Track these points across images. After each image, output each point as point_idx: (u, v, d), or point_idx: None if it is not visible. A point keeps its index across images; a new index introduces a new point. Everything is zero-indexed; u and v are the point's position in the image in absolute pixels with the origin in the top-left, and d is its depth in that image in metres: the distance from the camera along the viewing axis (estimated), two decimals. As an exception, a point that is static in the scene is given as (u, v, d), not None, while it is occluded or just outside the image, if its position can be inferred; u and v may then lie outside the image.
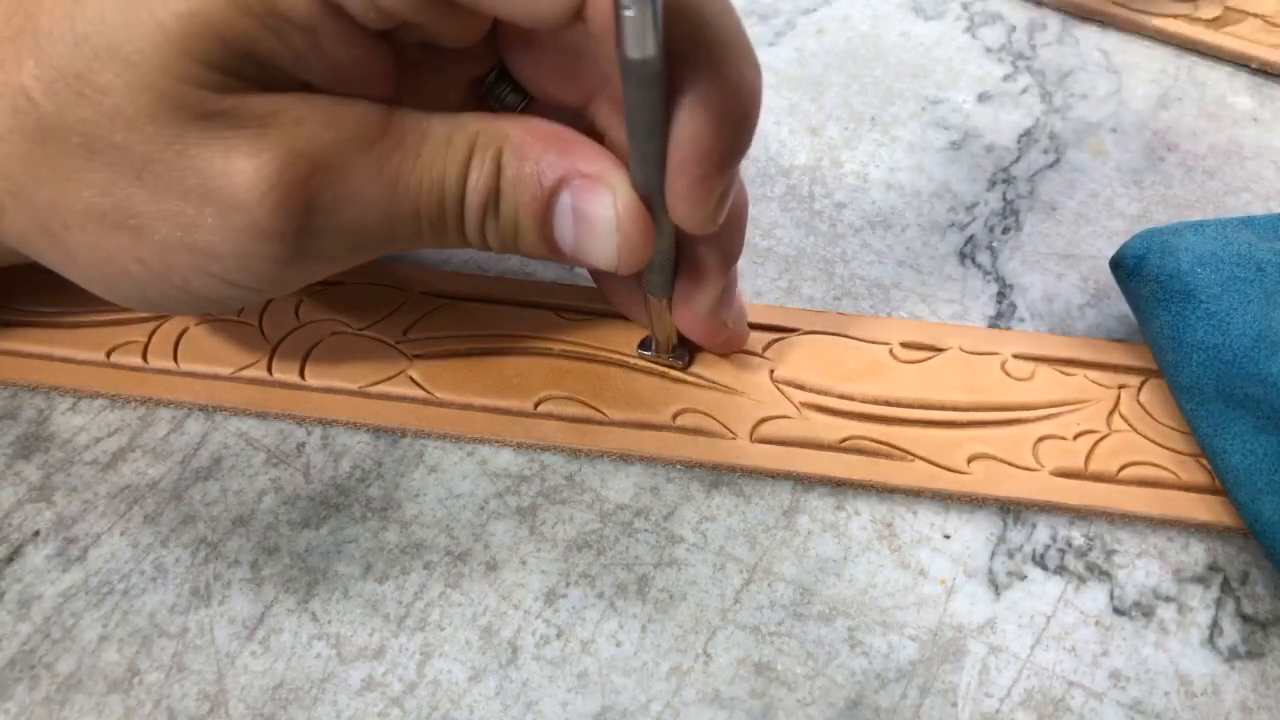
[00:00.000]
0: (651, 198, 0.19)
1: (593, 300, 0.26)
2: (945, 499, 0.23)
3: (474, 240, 0.20)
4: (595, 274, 0.25)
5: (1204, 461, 0.23)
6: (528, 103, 0.22)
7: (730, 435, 0.23)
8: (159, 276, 0.19)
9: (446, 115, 0.19)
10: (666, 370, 0.24)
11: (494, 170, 0.19)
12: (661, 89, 0.17)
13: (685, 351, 0.24)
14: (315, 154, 0.18)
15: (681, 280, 0.22)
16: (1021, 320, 0.27)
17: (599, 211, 0.19)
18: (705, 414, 0.23)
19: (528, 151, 0.19)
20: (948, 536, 0.23)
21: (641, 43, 0.15)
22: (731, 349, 0.24)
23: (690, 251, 0.22)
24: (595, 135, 0.20)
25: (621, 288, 0.24)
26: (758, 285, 0.27)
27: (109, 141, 0.17)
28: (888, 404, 0.24)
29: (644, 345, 0.25)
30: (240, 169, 0.17)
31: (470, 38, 0.19)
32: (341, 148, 0.18)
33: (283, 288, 0.20)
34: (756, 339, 0.25)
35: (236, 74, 0.17)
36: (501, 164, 0.19)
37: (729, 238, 0.21)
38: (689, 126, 0.17)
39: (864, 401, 0.24)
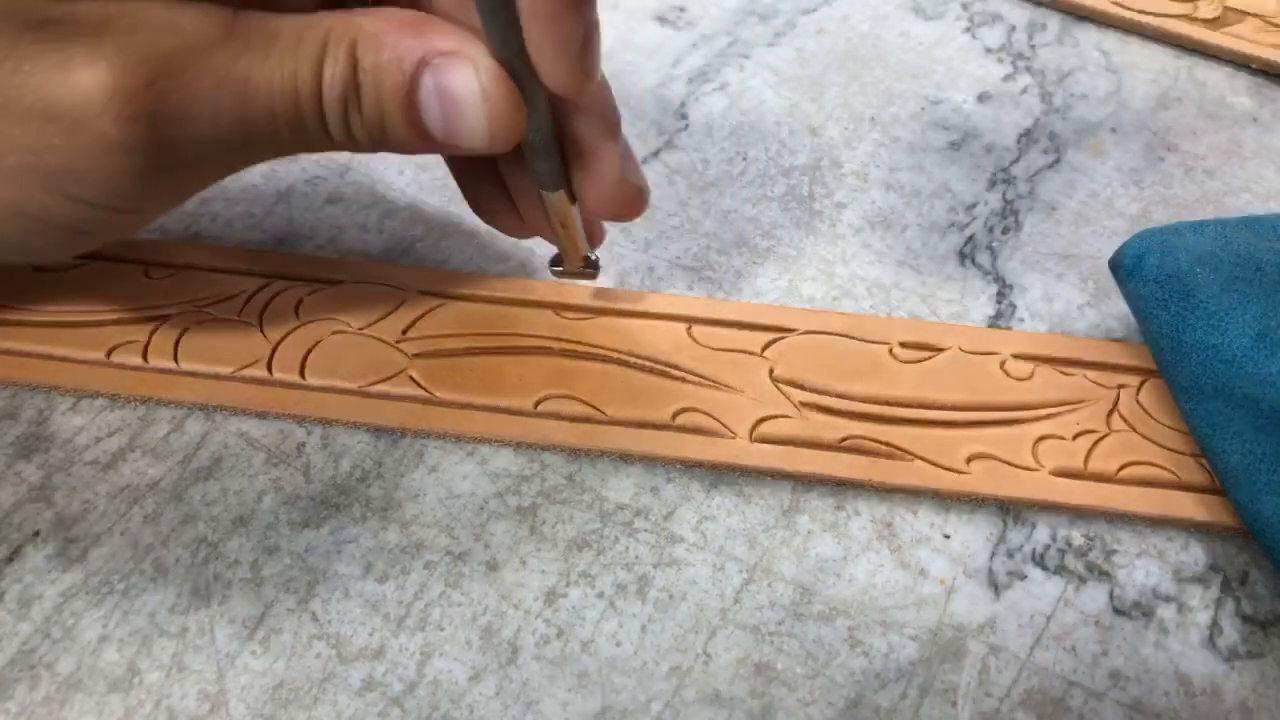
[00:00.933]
0: (514, 66, 0.18)
1: (593, 300, 0.26)
2: (945, 499, 0.23)
3: (339, 137, 0.20)
4: (471, 187, 0.24)
5: (1203, 461, 0.23)
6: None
7: (730, 434, 0.23)
8: (15, 211, 0.18)
9: (297, 15, 0.19)
10: (667, 370, 0.24)
11: (350, 63, 0.18)
12: None
13: (594, 262, 0.24)
14: (155, 60, 0.17)
15: (578, 161, 0.21)
16: (1021, 320, 0.27)
17: (462, 84, 0.19)
18: (705, 413, 0.23)
19: (384, 39, 0.19)
20: (948, 536, 0.23)
21: None
22: (636, 213, 0.23)
23: (574, 132, 0.21)
24: None
25: (500, 200, 0.24)
26: (758, 285, 0.27)
27: None
28: (887, 404, 0.24)
29: (554, 262, 0.24)
30: (78, 80, 0.17)
31: None
32: (182, 53, 0.17)
33: (153, 203, 0.19)
34: (756, 338, 0.25)
35: None
36: (358, 56, 0.19)
37: (602, 103, 0.21)
38: None
39: (863, 401, 0.24)
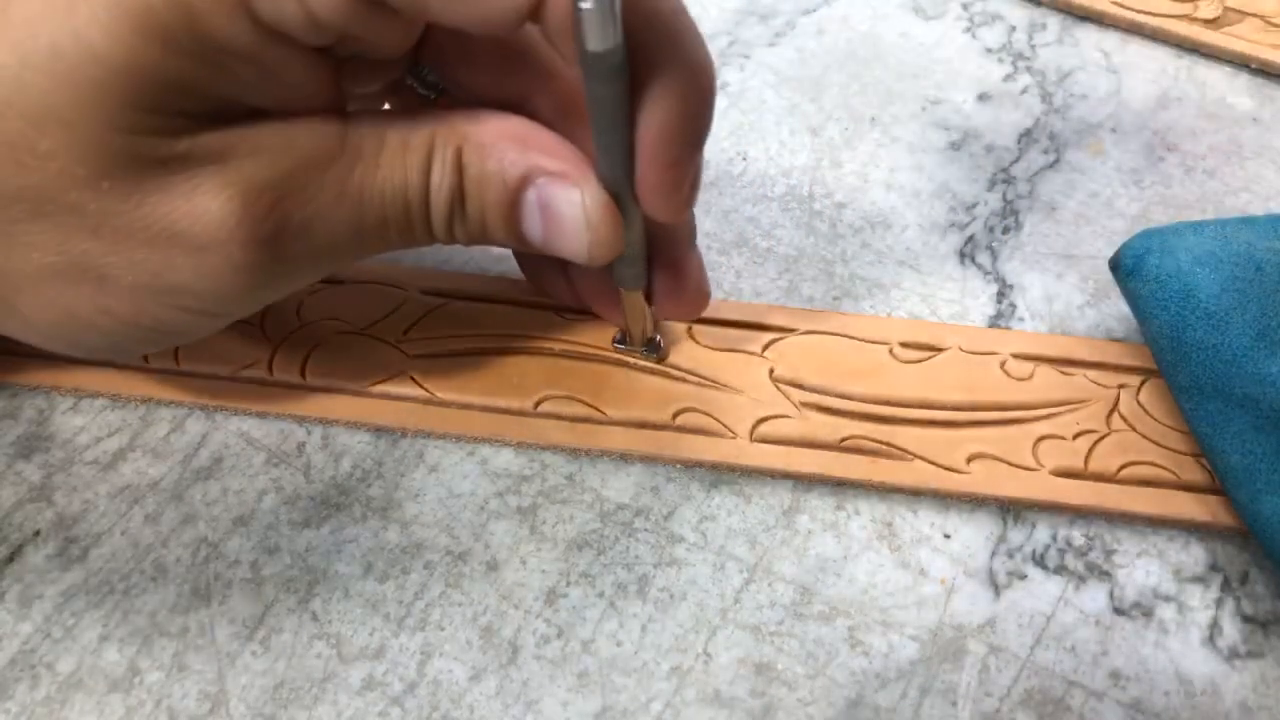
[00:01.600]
0: (619, 190, 0.19)
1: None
2: (945, 498, 0.23)
3: (442, 238, 0.20)
4: (534, 268, 0.25)
5: (1203, 461, 0.23)
6: (441, 90, 0.22)
7: (730, 434, 0.23)
8: (127, 323, 0.18)
9: (400, 119, 0.19)
10: (667, 370, 0.24)
11: (456, 169, 0.19)
12: (625, 81, 0.17)
13: (657, 345, 0.24)
14: (278, 182, 0.17)
15: (659, 266, 0.22)
16: (1021, 320, 0.27)
17: (567, 210, 0.19)
18: (705, 413, 0.23)
19: (488, 150, 0.19)
20: (948, 536, 0.23)
21: (602, 35, 0.15)
22: (696, 317, 0.25)
23: (661, 239, 0.22)
24: None
25: (560, 279, 0.24)
26: (758, 285, 0.27)
27: (60, 204, 0.17)
28: (887, 403, 0.24)
29: (619, 341, 0.25)
30: (206, 209, 0.17)
31: (407, 46, 0.19)
32: (302, 171, 0.18)
33: (256, 307, 0.20)
34: (756, 338, 0.25)
35: (184, 114, 0.16)
36: (463, 163, 0.19)
37: (691, 215, 0.22)
38: (658, 114, 0.17)
39: (863, 401, 0.24)
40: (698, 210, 0.29)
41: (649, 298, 0.23)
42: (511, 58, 0.20)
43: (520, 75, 0.20)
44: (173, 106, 0.16)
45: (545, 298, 0.25)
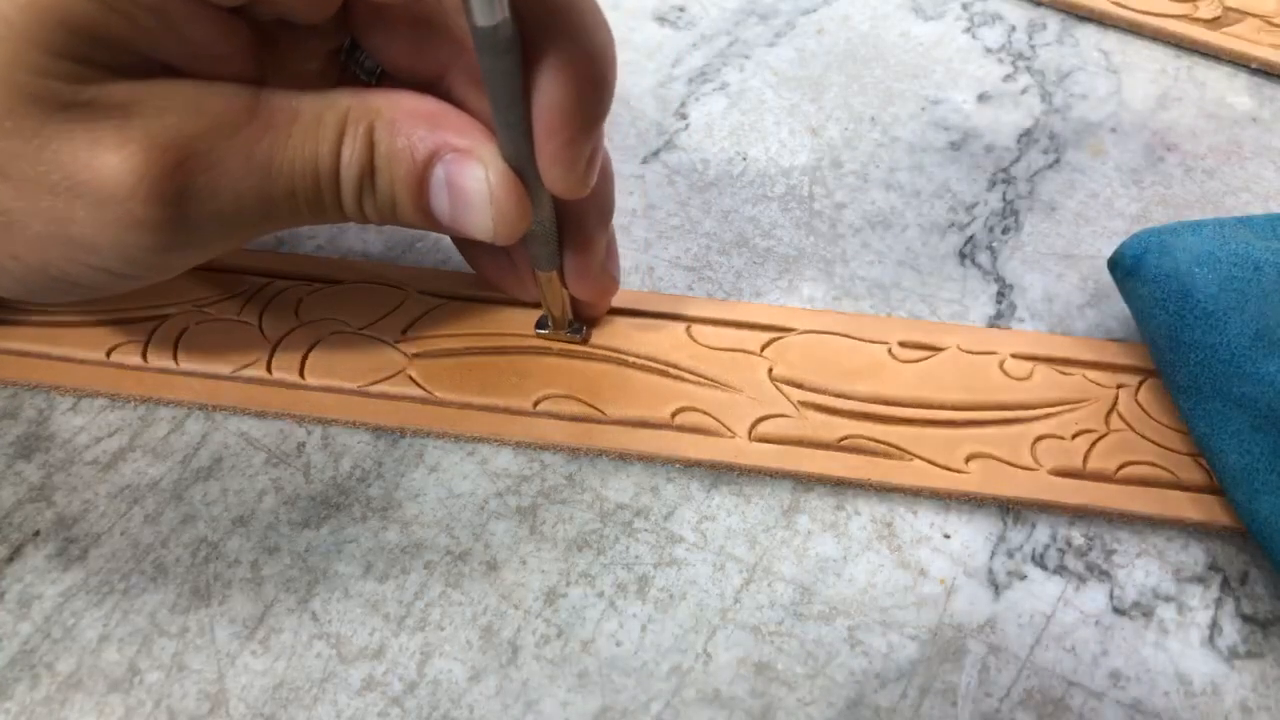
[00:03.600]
0: (524, 167, 0.19)
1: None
2: (944, 498, 0.23)
3: (352, 214, 0.20)
4: (471, 252, 0.25)
5: (1202, 461, 0.23)
6: (383, 71, 0.22)
7: (729, 434, 0.23)
8: (36, 270, 0.19)
9: (316, 93, 0.19)
10: (666, 369, 0.24)
11: (367, 146, 0.19)
12: (516, 57, 0.17)
13: (581, 324, 0.25)
14: (182, 142, 0.17)
15: (568, 246, 0.22)
16: (1021, 320, 0.27)
17: (472, 185, 0.19)
18: (704, 412, 0.23)
19: (399, 126, 0.19)
20: (948, 536, 0.23)
21: (488, 9, 0.16)
22: (607, 306, 0.25)
23: (570, 218, 0.22)
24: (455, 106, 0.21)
25: (498, 264, 0.24)
26: (758, 285, 0.27)
27: None
28: (886, 403, 0.24)
29: (540, 325, 0.25)
30: (106, 162, 0.17)
31: (323, 13, 0.19)
32: (209, 134, 0.18)
33: (167, 273, 0.20)
34: (755, 338, 0.25)
35: (92, 62, 0.17)
36: (374, 140, 0.19)
37: (602, 195, 0.22)
38: (549, 93, 0.18)
39: (862, 400, 0.24)
40: (698, 209, 0.29)
41: (564, 280, 0.23)
42: (426, 29, 0.20)
43: (438, 48, 0.20)
44: (81, 53, 0.16)
45: (493, 286, 0.25)
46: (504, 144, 0.19)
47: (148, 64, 0.17)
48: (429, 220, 0.20)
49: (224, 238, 0.19)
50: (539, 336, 0.25)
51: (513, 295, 0.25)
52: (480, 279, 0.26)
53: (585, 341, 0.25)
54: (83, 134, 0.17)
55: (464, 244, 0.25)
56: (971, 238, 0.29)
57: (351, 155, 0.19)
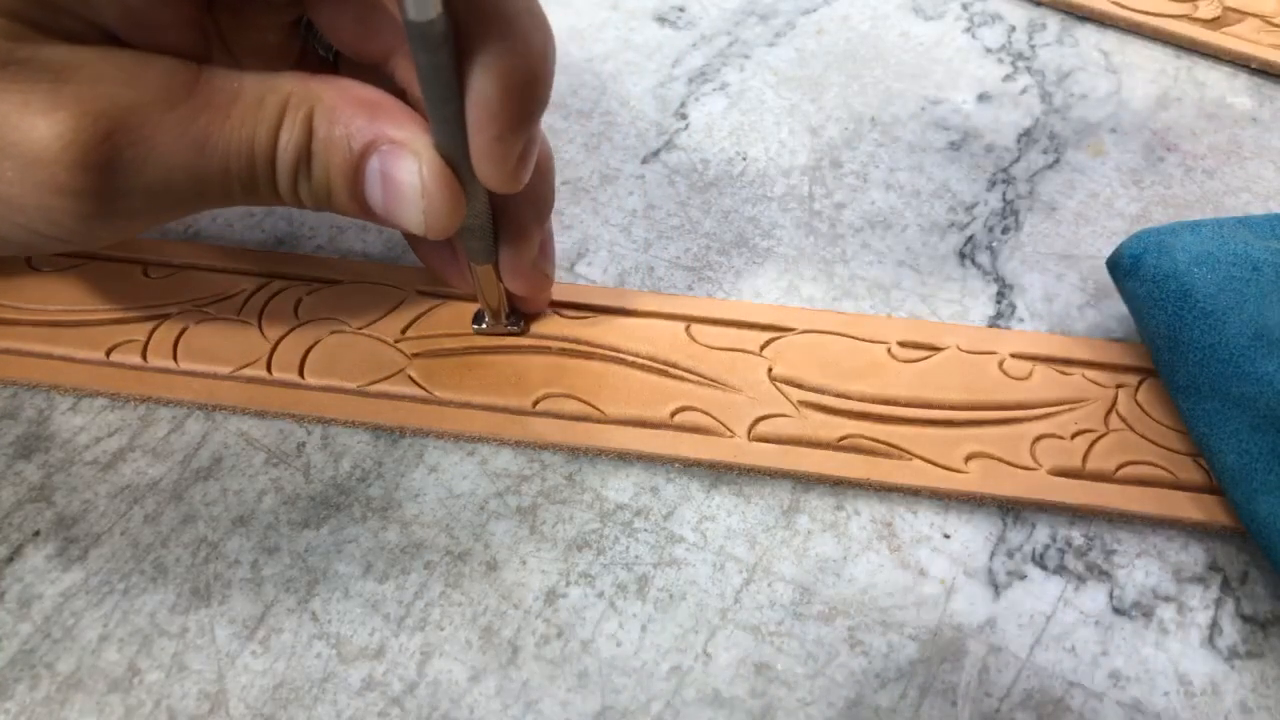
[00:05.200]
0: (457, 161, 0.19)
1: (592, 299, 0.26)
2: (943, 498, 0.23)
3: (287, 198, 0.20)
4: (415, 243, 0.25)
5: (1201, 461, 0.23)
6: (338, 52, 0.22)
7: (728, 433, 0.23)
8: None
9: (260, 75, 0.19)
10: (665, 368, 0.24)
11: (305, 132, 0.19)
12: (449, 52, 0.17)
13: (519, 317, 0.25)
14: (114, 113, 0.17)
15: (503, 242, 0.23)
16: (1021, 320, 0.27)
17: (405, 178, 0.19)
18: (703, 412, 0.23)
19: (338, 114, 0.19)
20: (948, 536, 0.23)
21: (422, 5, 0.16)
22: (545, 303, 0.25)
23: (506, 212, 0.22)
24: (398, 92, 0.21)
25: (441, 256, 0.25)
26: (758, 285, 0.27)
27: None
28: (885, 403, 0.24)
29: (477, 319, 0.25)
30: (35, 125, 0.17)
31: None
32: (143, 107, 0.18)
33: (93, 240, 0.20)
34: (754, 338, 0.25)
35: (30, 21, 0.17)
36: (313, 126, 0.19)
37: (539, 191, 0.22)
38: (479, 89, 0.18)
39: (862, 400, 0.24)
40: (698, 209, 0.29)
41: (499, 274, 0.23)
42: (371, 10, 0.20)
43: (382, 30, 0.20)
44: (17, 9, 0.16)
45: (438, 277, 0.25)
46: (437, 137, 0.19)
47: (89, 29, 0.17)
48: (363, 210, 0.20)
49: (153, 212, 0.19)
50: (476, 333, 0.25)
51: (456, 287, 0.25)
52: (427, 272, 0.26)
53: (524, 334, 0.25)
54: (15, 93, 0.17)
55: (409, 235, 0.25)
56: (971, 238, 0.29)
57: (289, 139, 0.19)
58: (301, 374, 0.24)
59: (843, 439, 0.23)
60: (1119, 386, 0.24)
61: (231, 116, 0.19)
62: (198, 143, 0.18)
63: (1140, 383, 0.24)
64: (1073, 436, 0.23)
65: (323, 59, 0.23)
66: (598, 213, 0.29)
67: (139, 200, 0.19)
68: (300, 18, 0.22)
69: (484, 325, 0.25)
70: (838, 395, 0.24)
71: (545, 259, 0.24)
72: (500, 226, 0.22)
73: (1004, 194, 0.30)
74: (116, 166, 0.18)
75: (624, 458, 0.24)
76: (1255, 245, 0.23)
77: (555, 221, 0.29)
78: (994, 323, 0.27)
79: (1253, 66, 0.34)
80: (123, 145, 0.18)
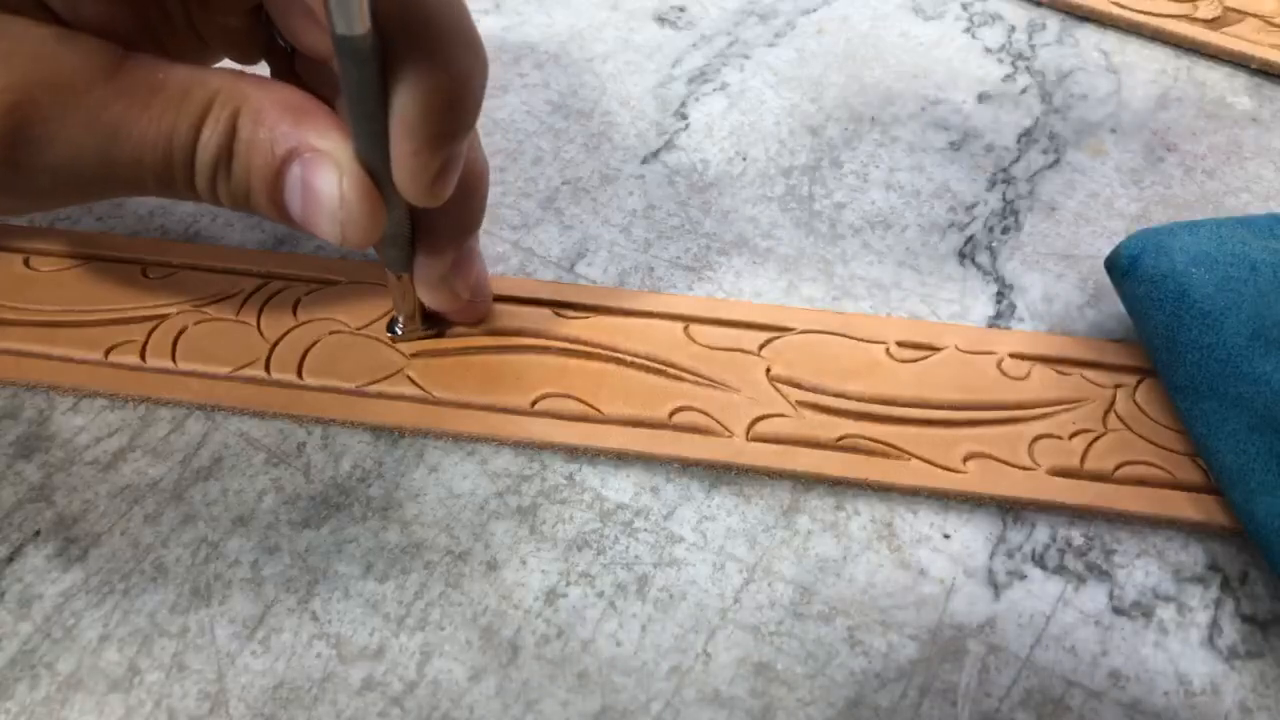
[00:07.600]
0: (378, 171, 0.19)
1: (591, 299, 0.26)
2: (942, 497, 0.23)
3: (205, 195, 0.20)
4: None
5: (1199, 461, 0.23)
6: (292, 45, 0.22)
7: (727, 433, 0.23)
8: None
9: (190, 69, 0.19)
10: (664, 368, 0.24)
11: (228, 131, 0.19)
12: (375, 68, 0.17)
13: (433, 323, 0.25)
14: (23, 87, 0.17)
15: (418, 251, 0.23)
16: (1021, 320, 0.27)
17: (324, 188, 0.19)
18: (702, 412, 0.23)
19: (263, 117, 0.19)
20: (947, 536, 0.23)
21: (347, 20, 0.16)
22: (472, 320, 0.25)
23: (425, 223, 0.22)
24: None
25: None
26: (758, 285, 0.27)
27: None
28: (884, 403, 0.24)
29: (390, 327, 0.25)
30: None
31: None
32: (55, 86, 0.18)
33: (3, 212, 0.20)
34: (753, 338, 0.25)
35: None
36: (237, 126, 0.19)
37: (462, 209, 0.22)
38: (400, 106, 0.18)
39: (860, 400, 0.24)
40: (698, 209, 0.29)
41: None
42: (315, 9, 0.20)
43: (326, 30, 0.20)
44: None
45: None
46: (359, 146, 0.19)
47: (23, 3, 0.17)
48: (281, 214, 0.20)
49: (58, 193, 0.19)
50: (392, 339, 0.25)
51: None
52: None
53: (441, 335, 0.25)
54: None
55: None
56: (971, 238, 0.29)
57: (211, 136, 0.19)
58: (300, 374, 0.24)
59: (841, 439, 0.23)
60: (1117, 386, 0.24)
61: (151, 107, 0.18)
62: (110, 129, 0.18)
63: (1139, 383, 0.24)
64: (1071, 436, 0.23)
65: (283, 49, 0.23)
66: (598, 213, 0.29)
67: (42, 179, 0.19)
68: (260, 6, 0.21)
69: (398, 331, 0.25)
70: (836, 395, 0.24)
71: (460, 277, 0.23)
72: (418, 238, 0.22)
73: (1004, 194, 0.30)
74: (20, 142, 0.18)
75: (623, 458, 0.24)
76: (1253, 245, 0.23)
77: (555, 221, 0.29)
78: (994, 323, 0.27)
79: (1253, 66, 0.34)
80: (30, 122, 0.18)
